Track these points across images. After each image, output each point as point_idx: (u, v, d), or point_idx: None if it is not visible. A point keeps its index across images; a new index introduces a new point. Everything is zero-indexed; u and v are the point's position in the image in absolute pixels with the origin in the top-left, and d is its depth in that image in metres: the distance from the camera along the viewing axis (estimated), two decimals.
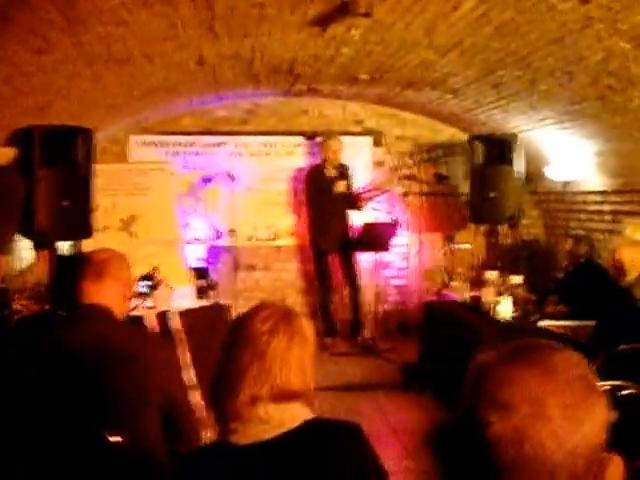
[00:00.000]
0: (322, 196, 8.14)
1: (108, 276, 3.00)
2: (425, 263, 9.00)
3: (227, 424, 1.93)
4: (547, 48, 5.27)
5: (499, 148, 7.50)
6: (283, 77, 7.28)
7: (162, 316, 3.88)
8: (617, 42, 4.78)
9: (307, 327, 2.08)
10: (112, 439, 2.62)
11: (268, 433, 1.90)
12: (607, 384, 3.79)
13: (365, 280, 8.37)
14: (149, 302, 4.03)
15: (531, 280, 8.46)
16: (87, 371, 2.75)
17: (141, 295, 4.05)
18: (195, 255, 8.40)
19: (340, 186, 8.06)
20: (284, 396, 1.94)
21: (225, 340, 2.05)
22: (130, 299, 3.23)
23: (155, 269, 4.08)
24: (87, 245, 6.53)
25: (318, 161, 8.47)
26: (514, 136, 7.48)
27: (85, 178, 6.18)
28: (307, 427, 1.94)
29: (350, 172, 8.37)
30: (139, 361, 2.82)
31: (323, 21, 5.12)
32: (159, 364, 2.87)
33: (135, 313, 4.33)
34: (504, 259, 8.23)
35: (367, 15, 4.82)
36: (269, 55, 6.21)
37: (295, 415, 1.95)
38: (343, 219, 8.20)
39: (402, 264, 9.06)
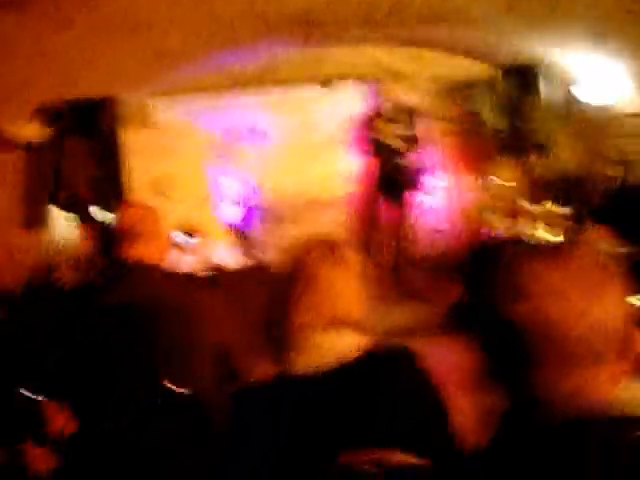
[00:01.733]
0: (371, 140, 8.12)
1: (142, 238, 3.04)
2: (463, 203, 8.91)
3: (283, 354, 1.98)
4: None
5: (525, 78, 7.41)
6: (300, 27, 7.18)
7: (215, 268, 3.91)
8: None
9: (354, 257, 2.12)
10: (172, 387, 2.69)
11: (323, 360, 1.94)
12: None
13: None
14: (191, 257, 4.04)
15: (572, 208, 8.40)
16: (139, 325, 2.80)
17: (184, 249, 4.06)
18: (228, 212, 8.41)
19: (384, 126, 8.00)
20: (336, 323, 1.98)
21: (277, 274, 2.10)
22: (168, 244, 3.27)
23: (193, 224, 4.08)
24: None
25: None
26: (540, 64, 7.35)
27: (114, 145, 6.25)
28: (363, 354, 1.97)
29: (408, 114, 8.28)
30: (189, 311, 2.88)
31: None
32: (209, 312, 2.91)
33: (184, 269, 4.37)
34: (539, 189, 8.15)
35: None
36: (282, 4, 6.13)
37: (350, 342, 1.98)
38: (395, 161, 8.07)
39: (440, 206, 8.98)
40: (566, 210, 6.58)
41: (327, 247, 2.08)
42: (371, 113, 8.31)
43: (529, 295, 1.21)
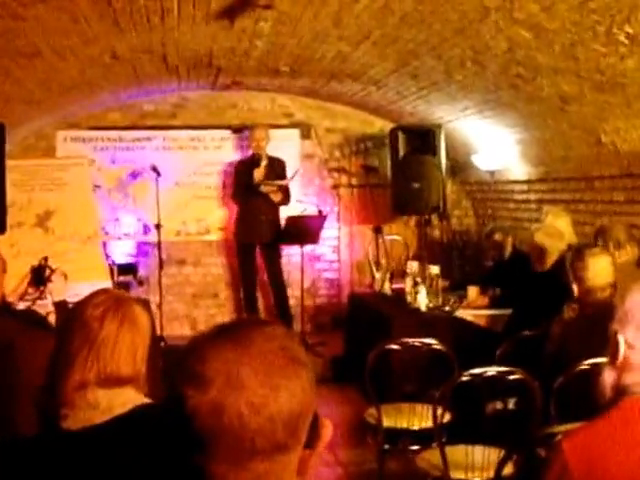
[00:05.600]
0: (244, 187, 8.10)
1: None
2: (356, 256, 9.01)
3: (59, 409, 1.94)
4: (453, 38, 5.31)
5: (422, 138, 7.56)
6: (205, 70, 7.24)
7: (60, 307, 3.82)
8: (518, 31, 4.82)
9: (140, 313, 2.10)
10: None
11: (98, 418, 1.91)
12: (493, 370, 3.84)
13: (295, 274, 8.36)
14: (48, 294, 3.98)
15: (464, 271, 8.56)
16: None
17: (36, 287, 4.01)
18: (124, 251, 8.34)
19: (258, 175, 7.99)
20: (113, 381, 1.96)
21: (60, 325, 2.08)
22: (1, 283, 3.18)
23: (46, 259, 4.03)
24: (3, 241, 6.50)
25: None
26: (437, 126, 7.54)
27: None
28: (136, 412, 1.95)
29: (282, 166, 8.29)
30: (11, 350, 2.80)
31: (228, 14, 5.10)
32: (35, 353, 2.83)
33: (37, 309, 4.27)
34: (434, 250, 8.29)
35: (268, 7, 4.82)
36: (183, 48, 6.17)
37: (126, 400, 1.96)
38: (268, 211, 8.10)
39: (333, 257, 9.07)
40: (445, 282, 6.70)
41: (112, 302, 2.06)
42: (246, 160, 8.36)
43: (205, 382, 1.15)
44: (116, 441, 1.89)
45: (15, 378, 2.77)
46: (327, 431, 1.24)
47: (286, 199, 8.23)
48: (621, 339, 1.97)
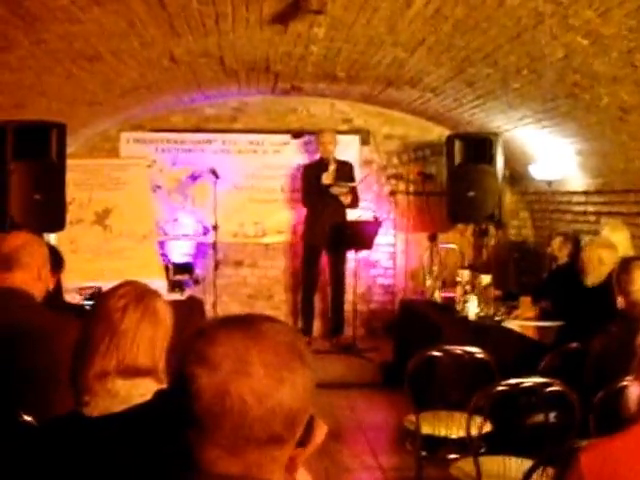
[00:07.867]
0: (313, 190, 8.14)
1: (17, 266, 3.04)
2: (412, 263, 8.97)
3: (81, 397, 2.00)
4: (508, 45, 5.26)
5: (478, 147, 7.47)
6: (263, 75, 7.32)
7: None
8: (574, 38, 4.74)
9: (162, 307, 2.14)
10: (25, 418, 2.67)
11: (117, 407, 1.96)
12: (530, 380, 3.79)
13: (349, 279, 8.35)
14: None
15: (521, 282, 8.43)
16: None
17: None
18: (182, 250, 8.49)
19: (327, 178, 8.02)
20: (132, 372, 2.01)
21: (86, 316, 2.13)
22: (48, 276, 3.25)
23: (99, 289, 4.14)
24: (62, 237, 6.71)
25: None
26: (494, 135, 7.45)
27: (58, 172, 6.28)
28: (149, 402, 1.98)
29: (350, 169, 8.34)
30: (52, 340, 2.85)
31: (280, 18, 5.16)
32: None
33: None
34: (490, 260, 8.20)
35: (319, 12, 4.84)
36: (240, 53, 6.25)
37: (146, 391, 2.00)
38: (335, 215, 8.09)
39: (389, 264, 9.06)
40: (498, 292, 6.61)
41: (135, 295, 2.11)
42: (314, 164, 8.39)
43: (214, 365, 1.19)
44: (134, 429, 1.93)
45: (54, 364, 2.84)
46: (321, 433, 1.27)
47: (355, 202, 8.25)
48: None
